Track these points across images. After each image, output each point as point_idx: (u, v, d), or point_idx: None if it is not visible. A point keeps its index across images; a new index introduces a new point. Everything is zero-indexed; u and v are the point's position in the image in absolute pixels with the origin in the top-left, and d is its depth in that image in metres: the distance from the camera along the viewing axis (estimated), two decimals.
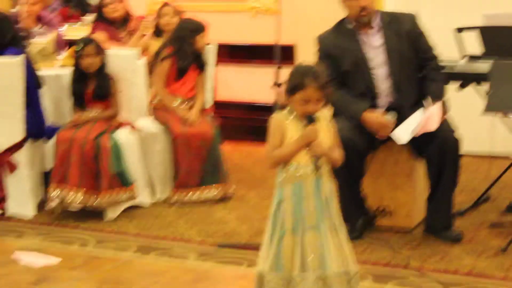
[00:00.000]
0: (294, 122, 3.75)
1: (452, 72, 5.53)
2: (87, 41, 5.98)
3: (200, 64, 6.45)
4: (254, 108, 8.29)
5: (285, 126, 3.74)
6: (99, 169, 5.67)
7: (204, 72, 6.51)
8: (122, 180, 5.74)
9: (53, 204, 5.74)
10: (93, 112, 5.93)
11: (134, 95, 6.11)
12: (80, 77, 5.94)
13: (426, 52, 5.26)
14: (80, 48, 5.89)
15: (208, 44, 6.64)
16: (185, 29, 6.39)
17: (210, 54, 6.68)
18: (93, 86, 5.92)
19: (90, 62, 5.88)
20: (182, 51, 6.32)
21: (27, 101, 5.82)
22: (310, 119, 3.72)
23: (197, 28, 6.38)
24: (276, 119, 3.77)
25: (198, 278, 4.60)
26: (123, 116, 6.02)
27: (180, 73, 6.35)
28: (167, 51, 6.34)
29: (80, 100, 5.95)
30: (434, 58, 5.27)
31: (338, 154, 3.80)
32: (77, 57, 5.91)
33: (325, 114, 3.82)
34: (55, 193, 5.69)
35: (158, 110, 6.33)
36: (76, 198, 5.64)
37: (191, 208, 5.94)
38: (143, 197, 6.02)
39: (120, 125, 5.96)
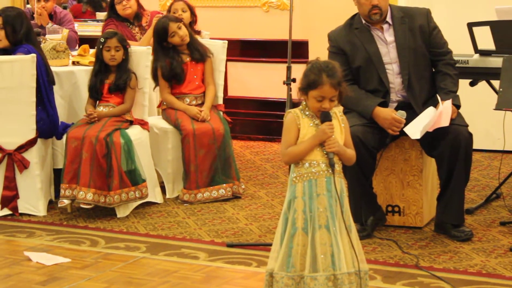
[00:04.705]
0: (308, 119, 3.73)
1: (463, 67, 5.50)
2: (111, 34, 5.99)
3: (195, 57, 6.31)
4: (266, 104, 8.25)
5: (299, 123, 3.72)
6: (110, 167, 5.67)
7: (206, 63, 6.36)
8: (133, 178, 5.74)
9: (64, 202, 5.75)
10: (106, 107, 5.93)
11: (147, 91, 6.10)
12: (101, 69, 5.95)
13: (440, 47, 5.23)
14: (103, 40, 5.89)
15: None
16: (157, 33, 6.23)
17: (221, 50, 6.56)
18: (112, 79, 5.93)
19: (112, 55, 5.89)
20: (168, 56, 6.20)
21: (39, 98, 5.83)
22: (325, 115, 3.70)
23: (166, 25, 6.19)
24: (291, 116, 3.75)
25: (208, 278, 4.59)
26: (135, 113, 6.02)
27: (180, 76, 6.25)
28: (163, 65, 6.20)
29: (96, 92, 5.95)
30: (447, 53, 5.24)
31: (351, 152, 3.78)
32: (100, 49, 5.91)
33: (337, 112, 3.80)
34: (66, 192, 5.69)
35: (168, 110, 6.28)
36: (86, 197, 5.65)
37: (201, 207, 5.93)
38: (153, 196, 6.01)
39: (131, 123, 5.96)
